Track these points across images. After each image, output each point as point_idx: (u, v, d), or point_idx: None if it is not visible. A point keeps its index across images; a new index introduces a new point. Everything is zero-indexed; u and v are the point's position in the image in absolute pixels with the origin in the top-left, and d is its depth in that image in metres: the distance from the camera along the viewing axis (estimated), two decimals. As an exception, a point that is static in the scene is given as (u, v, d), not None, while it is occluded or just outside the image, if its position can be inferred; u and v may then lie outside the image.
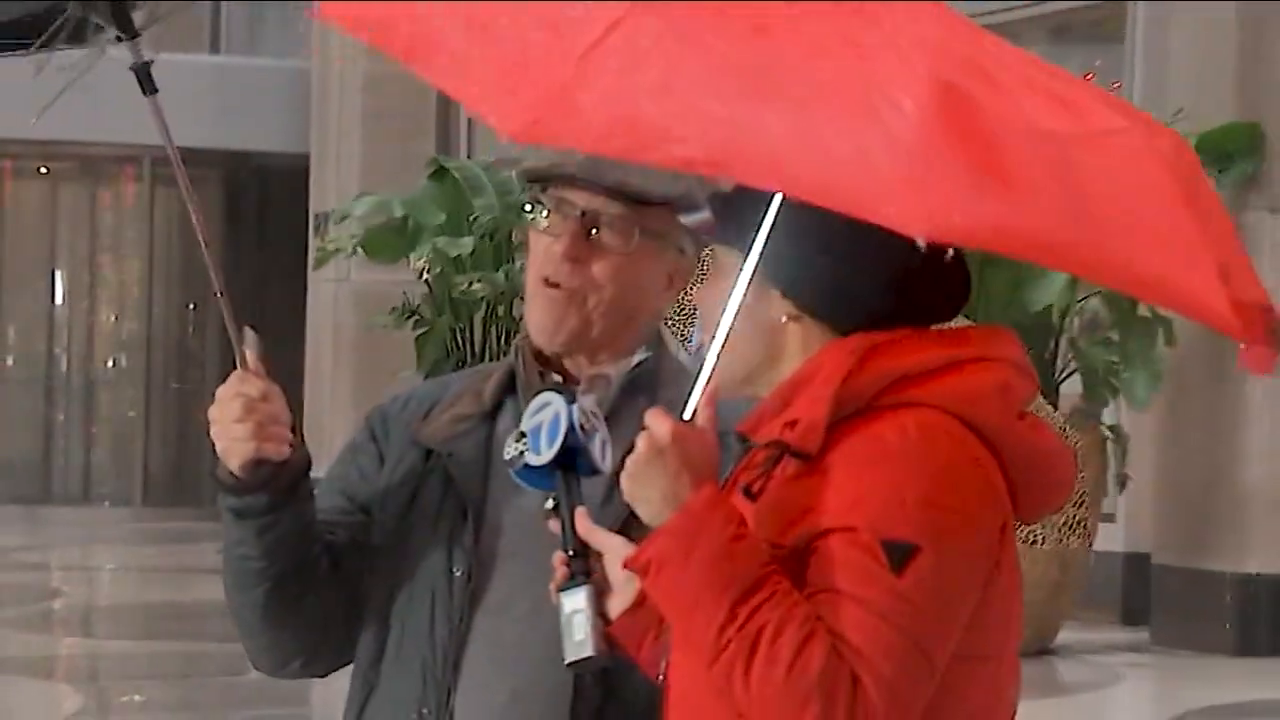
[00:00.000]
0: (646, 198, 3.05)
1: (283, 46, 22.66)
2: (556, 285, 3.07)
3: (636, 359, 3.12)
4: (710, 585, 2.48)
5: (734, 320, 2.60)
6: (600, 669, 2.78)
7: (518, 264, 14.67)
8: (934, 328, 2.66)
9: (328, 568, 3.12)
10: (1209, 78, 12.47)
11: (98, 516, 22.49)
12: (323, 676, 3.27)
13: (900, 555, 2.47)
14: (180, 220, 24.01)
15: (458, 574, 3.08)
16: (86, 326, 24.16)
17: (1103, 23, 13.83)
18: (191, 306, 23.96)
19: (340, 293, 19.90)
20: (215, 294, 3.27)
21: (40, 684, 12.66)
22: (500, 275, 14.67)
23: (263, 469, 3.02)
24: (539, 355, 3.15)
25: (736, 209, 2.65)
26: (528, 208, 3.14)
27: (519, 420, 2.88)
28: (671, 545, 2.52)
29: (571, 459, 2.77)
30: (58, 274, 23.95)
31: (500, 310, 14.99)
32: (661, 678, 2.72)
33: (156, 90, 3.23)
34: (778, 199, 2.57)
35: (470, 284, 14.58)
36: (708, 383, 2.60)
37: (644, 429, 2.57)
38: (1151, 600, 12.69)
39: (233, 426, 3.03)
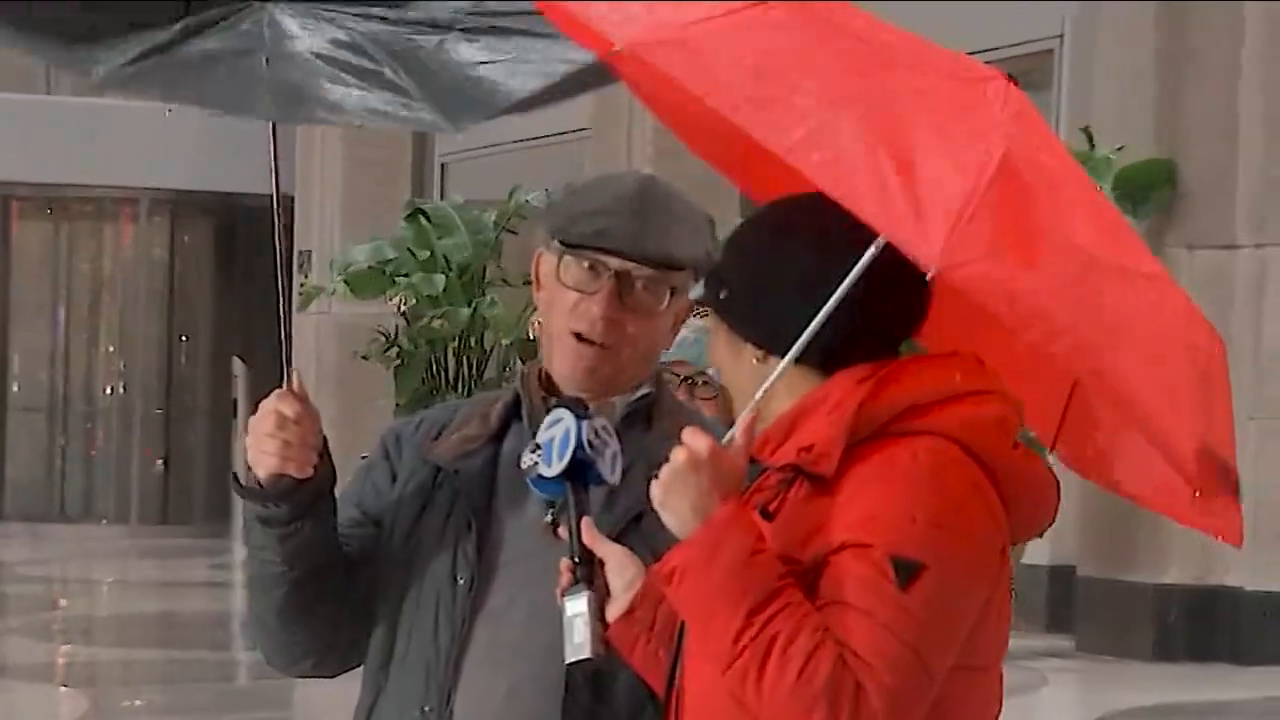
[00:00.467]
0: (678, 264, 3.07)
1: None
2: (591, 341, 3.07)
3: (641, 392, 3.13)
4: (728, 594, 2.48)
5: (733, 371, 2.69)
6: (593, 669, 2.80)
7: (488, 298, 14.65)
8: (931, 359, 2.67)
9: (342, 575, 3.12)
10: (1129, 120, 12.46)
11: (97, 533, 22.41)
12: (331, 676, 3.26)
13: (907, 572, 2.48)
14: (172, 258, 23.96)
15: (461, 582, 3.07)
16: (87, 357, 24.09)
17: (1030, 72, 13.84)
18: (183, 339, 23.90)
19: (322, 325, 19.86)
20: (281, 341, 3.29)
21: (45, 689, 12.62)
22: (468, 311, 14.64)
23: (284, 482, 3.02)
24: (545, 383, 3.14)
25: (717, 281, 2.71)
26: (565, 261, 3.11)
27: (524, 442, 2.91)
28: (695, 555, 2.52)
29: (581, 471, 2.79)
30: (60, 308, 23.88)
31: (471, 341, 14.97)
32: (669, 683, 2.73)
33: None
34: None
35: (436, 319, 14.58)
36: (749, 414, 2.61)
37: (681, 444, 2.58)
38: (1075, 609, 12.68)
39: (264, 439, 3.03)
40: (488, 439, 3.15)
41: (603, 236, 3.06)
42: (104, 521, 23.17)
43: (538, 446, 2.81)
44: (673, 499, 2.55)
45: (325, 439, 3.07)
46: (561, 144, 17.91)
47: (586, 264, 3.07)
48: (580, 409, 2.82)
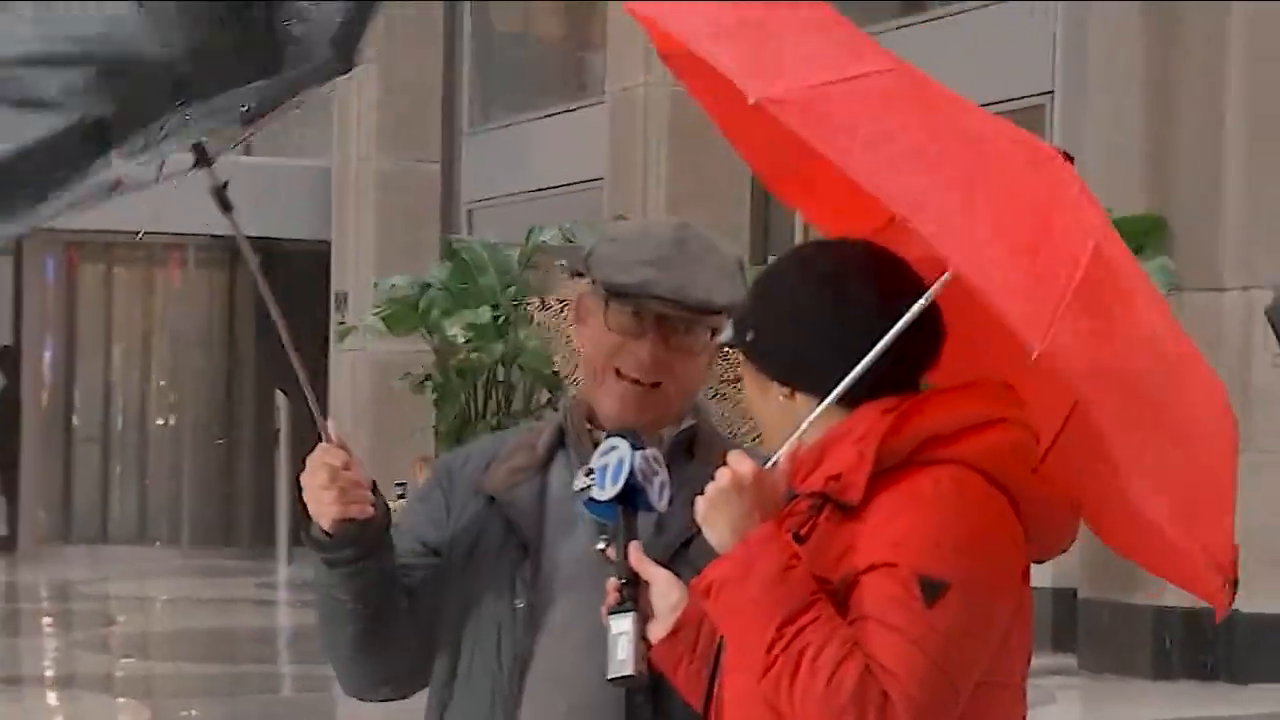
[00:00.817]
0: (717, 310, 3.05)
1: (307, 148, 22.64)
2: (636, 381, 3.05)
3: (685, 424, 3.10)
4: (762, 607, 2.47)
5: (762, 407, 2.69)
6: (645, 688, 2.79)
7: (522, 333, 14.62)
8: (950, 391, 2.65)
9: (406, 605, 3.10)
10: (1119, 170, 12.43)
11: (151, 554, 22.40)
12: (404, 698, 3.23)
13: (933, 591, 2.45)
14: (219, 299, 23.99)
15: (519, 605, 3.05)
16: (140, 391, 24.11)
17: (1022, 126, 13.82)
18: (229, 374, 23.92)
19: (359, 361, 19.85)
20: (297, 382, 3.21)
21: (105, 699, 12.61)
22: (500, 345, 14.62)
23: (349, 526, 3.00)
24: (589, 416, 3.12)
25: (744, 325, 2.71)
26: (611, 309, 3.08)
27: (570, 471, 2.93)
28: (731, 570, 2.51)
29: (631, 497, 2.78)
30: (116, 345, 23.92)
31: (499, 374, 14.95)
32: (706, 700, 2.70)
33: (232, 208, 3.20)
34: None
35: (474, 352, 14.56)
36: (792, 445, 2.60)
37: (724, 464, 2.58)
38: (1078, 630, 12.61)
39: (320, 493, 3.00)
40: (536, 469, 3.12)
41: (648, 286, 3.04)
42: (157, 543, 23.17)
43: (590, 471, 2.80)
44: (715, 517, 2.54)
45: (374, 481, 3.05)
46: (579, 192, 17.92)
47: (631, 310, 3.05)
48: (635, 439, 2.81)
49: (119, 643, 15.49)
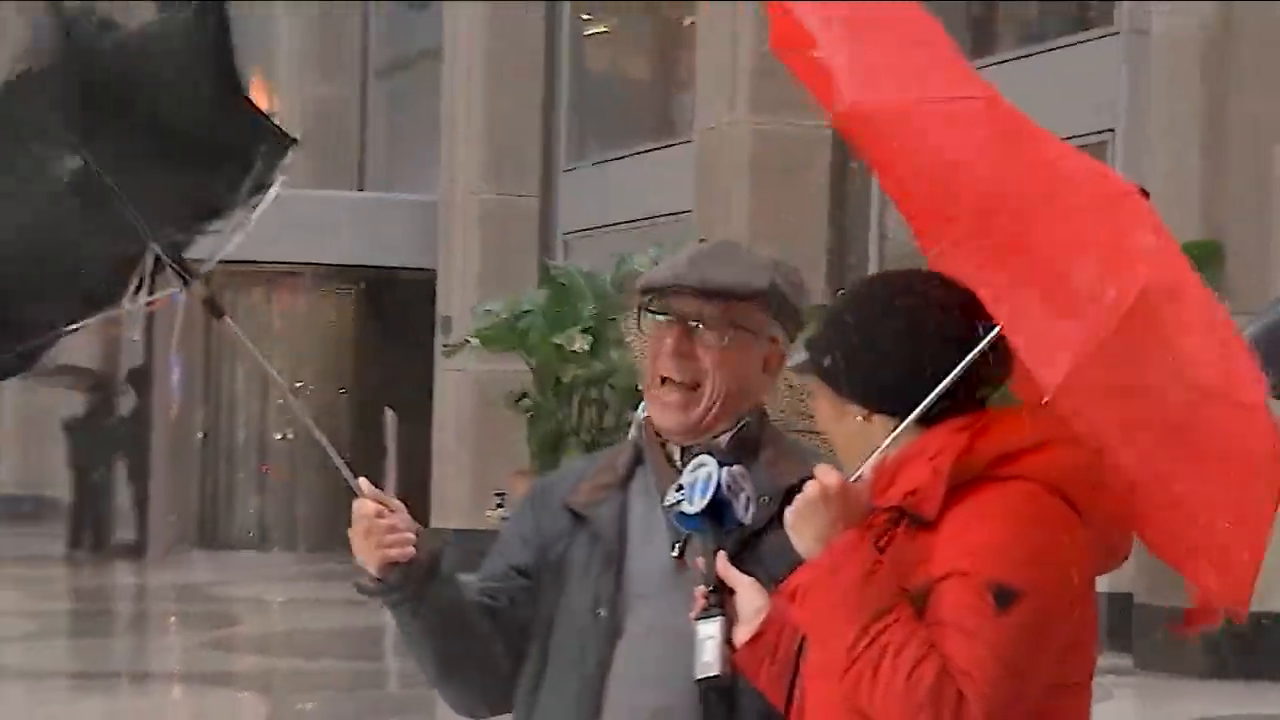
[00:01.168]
0: (735, 294, 3.00)
1: (415, 183, 22.74)
2: (675, 382, 3.02)
3: (739, 423, 3.06)
4: (846, 609, 2.47)
5: (837, 428, 2.68)
6: (725, 689, 2.78)
7: (614, 354, 14.60)
8: (1015, 411, 2.63)
9: (489, 626, 3.10)
10: (1179, 202, 12.35)
11: (269, 559, 22.50)
12: (510, 711, 3.22)
13: (1005, 598, 2.46)
14: (332, 324, 24.09)
15: (602, 614, 3.04)
16: (260, 408, 24.24)
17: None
18: (341, 391, 24.00)
19: (461, 381, 19.89)
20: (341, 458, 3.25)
21: (229, 693, 12.66)
22: (599, 364, 14.62)
23: (396, 570, 3.01)
24: (659, 433, 3.11)
25: (821, 350, 2.70)
26: (645, 316, 3.08)
27: (648, 486, 2.95)
28: (817, 575, 2.52)
29: (718, 511, 2.77)
30: (237, 366, 24.05)
31: (594, 393, 14.93)
32: (788, 700, 2.70)
33: (223, 314, 3.23)
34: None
35: (575, 371, 14.56)
36: (877, 459, 2.60)
37: (813, 477, 2.58)
38: (1133, 632, 12.51)
39: (362, 542, 3.03)
40: (618, 486, 3.11)
41: (672, 279, 3.03)
42: (275, 549, 23.27)
43: (680, 486, 2.81)
44: (802, 526, 2.55)
45: (420, 526, 3.06)
46: (667, 223, 17.91)
47: (659, 314, 3.03)
48: (723, 456, 2.81)
49: (240, 641, 15.56)
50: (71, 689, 13.08)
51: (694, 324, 3.01)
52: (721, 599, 2.75)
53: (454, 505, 20.01)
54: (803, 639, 2.68)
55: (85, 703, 12.43)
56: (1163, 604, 12.24)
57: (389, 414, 22.59)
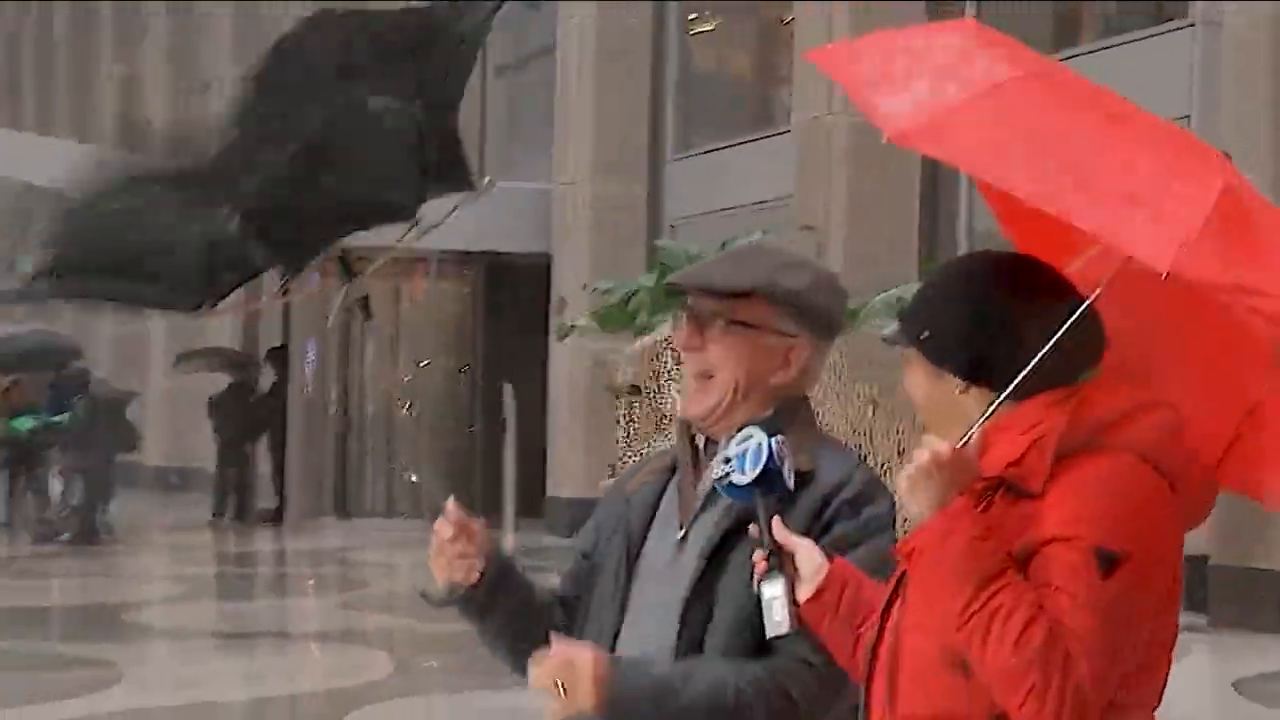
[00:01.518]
0: (730, 292, 2.98)
1: (531, 173, 22.81)
2: (693, 371, 3.02)
3: (765, 414, 3.00)
4: (958, 572, 2.46)
5: (934, 398, 2.65)
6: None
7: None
8: (1108, 383, 2.62)
9: (562, 616, 3.15)
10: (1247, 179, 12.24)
11: (397, 526, 22.64)
12: None
13: (1109, 562, 2.45)
14: (454, 307, 24.21)
15: (617, 591, 3.07)
16: (388, 384, 24.40)
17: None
18: (464, 368, 24.13)
19: (575, 358, 19.93)
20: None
21: (357, 650, 12.76)
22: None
23: (460, 587, 3.06)
24: (687, 426, 3.10)
25: (917, 324, 2.67)
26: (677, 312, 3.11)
27: (684, 475, 2.95)
28: (930, 538, 2.50)
29: (768, 480, 2.74)
30: (367, 346, 24.21)
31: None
32: (872, 654, 2.68)
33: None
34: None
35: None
36: (981, 426, 2.58)
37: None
38: (1209, 591, 12.39)
39: (432, 560, 3.08)
40: (664, 471, 3.11)
41: (680, 277, 3.05)
42: (401, 515, 23.42)
43: (728, 459, 2.76)
44: (916, 492, 2.52)
45: (494, 541, 3.09)
46: (769, 210, 17.88)
47: (680, 311, 3.05)
48: (769, 427, 2.77)
49: (370, 602, 15.68)
50: (215, 647, 13.22)
51: (696, 318, 3.00)
52: (781, 561, 2.73)
53: (568, 475, 20.08)
54: (892, 593, 2.68)
55: (227, 660, 12.57)
56: (1238, 565, 12.15)
57: (508, 389, 22.67)
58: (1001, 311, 2.59)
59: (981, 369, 2.60)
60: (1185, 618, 11.28)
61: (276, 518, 23.29)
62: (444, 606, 3.08)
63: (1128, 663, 2.48)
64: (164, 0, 33.64)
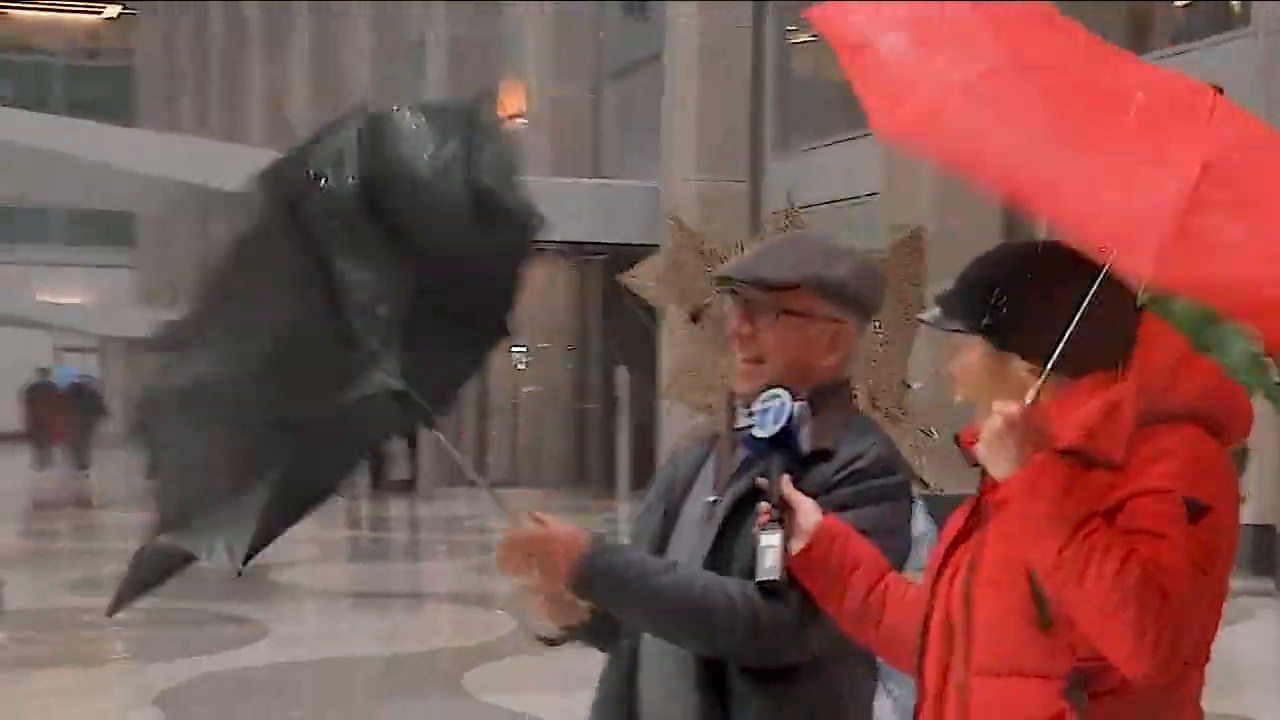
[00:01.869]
0: (780, 284, 2.95)
1: (641, 170, 22.81)
2: (741, 357, 2.98)
3: (805, 394, 2.95)
4: (1050, 518, 2.41)
5: (995, 379, 2.58)
6: (777, 591, 2.74)
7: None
8: (1152, 357, 2.56)
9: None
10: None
11: (519, 495, 22.71)
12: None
13: (1196, 511, 2.43)
14: (571, 295, 24.26)
15: (658, 539, 3.01)
16: (510, 366, 24.50)
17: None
18: (570, 348, 24.16)
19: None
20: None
21: (481, 611, 12.82)
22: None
23: (573, 626, 2.99)
24: (733, 398, 3.04)
25: (980, 308, 2.60)
26: (725, 299, 3.07)
27: (721, 444, 2.93)
28: (1019, 489, 2.45)
29: (786, 438, 2.76)
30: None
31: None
32: (926, 615, 2.64)
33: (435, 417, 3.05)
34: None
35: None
36: (1039, 386, 2.52)
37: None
38: (1276, 558, 12.23)
39: (532, 603, 2.97)
40: (709, 437, 3.07)
41: (726, 269, 3.02)
42: (522, 487, 23.53)
43: (752, 412, 2.79)
44: (994, 454, 2.47)
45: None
46: (860, 205, 17.80)
47: (731, 299, 3.01)
48: (793, 392, 2.77)
49: (494, 566, 15.71)
50: (352, 607, 13.34)
51: (747, 307, 2.97)
52: (782, 515, 2.73)
53: (676, 450, 20.07)
54: (948, 551, 2.64)
55: (364, 618, 12.67)
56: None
57: (621, 370, 22.70)
58: (1069, 292, 2.50)
59: (1047, 349, 2.52)
60: (1254, 582, 11.13)
61: (410, 486, 23.43)
62: (563, 644, 3.00)
63: (1209, 602, 2.45)
64: (307, 0, 33.83)
